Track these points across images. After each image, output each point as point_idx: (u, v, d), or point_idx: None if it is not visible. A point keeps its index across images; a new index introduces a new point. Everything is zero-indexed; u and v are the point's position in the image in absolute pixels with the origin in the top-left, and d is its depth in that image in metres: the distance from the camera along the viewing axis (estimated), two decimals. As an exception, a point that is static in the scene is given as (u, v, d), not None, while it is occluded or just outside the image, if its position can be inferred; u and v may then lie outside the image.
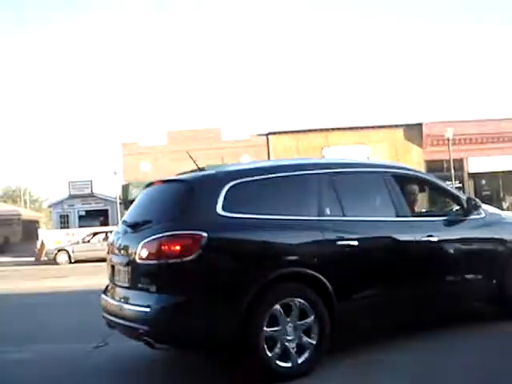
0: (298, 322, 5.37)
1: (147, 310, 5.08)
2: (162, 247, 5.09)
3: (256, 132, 38.37)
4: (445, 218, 6.92)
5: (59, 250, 30.57)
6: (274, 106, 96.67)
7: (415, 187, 7.18)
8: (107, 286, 6.21)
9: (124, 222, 6.06)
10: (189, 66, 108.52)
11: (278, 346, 5.26)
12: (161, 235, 5.15)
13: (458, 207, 7.09)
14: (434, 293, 6.43)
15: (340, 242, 5.71)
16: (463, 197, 7.08)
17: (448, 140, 32.63)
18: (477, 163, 36.61)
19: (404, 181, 6.86)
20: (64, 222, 41.38)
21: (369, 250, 5.97)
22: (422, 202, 9.70)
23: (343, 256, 5.75)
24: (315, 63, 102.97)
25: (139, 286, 5.37)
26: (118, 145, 38.03)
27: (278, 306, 5.27)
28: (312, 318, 5.42)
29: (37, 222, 55.46)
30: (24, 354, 7.02)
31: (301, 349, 5.38)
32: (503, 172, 37.22)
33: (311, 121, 54.44)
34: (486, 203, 8.17)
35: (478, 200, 7.08)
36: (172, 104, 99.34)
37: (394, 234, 6.20)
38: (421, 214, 6.94)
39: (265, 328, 5.19)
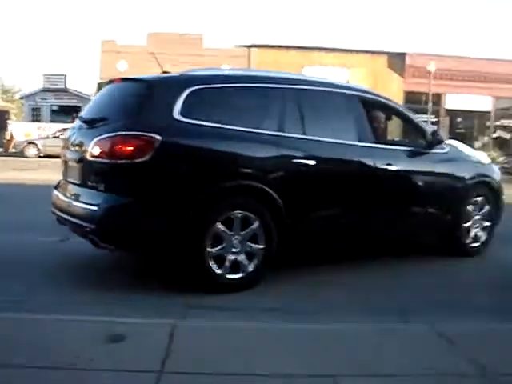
0: (242, 232, 5.34)
1: (95, 208, 5.04)
2: (115, 146, 4.99)
3: (238, 43, 37.66)
4: (407, 148, 6.90)
5: (29, 143, 30.20)
6: (257, 18, 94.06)
7: (381, 114, 7.09)
8: (59, 182, 6.14)
9: (80, 117, 5.93)
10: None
11: (227, 260, 5.28)
12: (114, 134, 5.05)
13: (422, 139, 7.06)
14: (385, 221, 6.48)
15: (296, 160, 5.65)
16: (428, 130, 7.03)
17: (429, 73, 32.40)
18: (454, 100, 36.44)
19: (371, 106, 6.75)
20: (36, 116, 40.65)
21: (325, 172, 5.93)
22: (392, 131, 9.70)
23: (298, 174, 5.70)
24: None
25: (89, 183, 5.31)
26: (97, 42, 37.14)
27: (219, 225, 5.22)
28: (257, 224, 5.38)
29: (7, 112, 54.20)
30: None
31: (250, 256, 5.40)
32: (479, 112, 37.26)
33: (293, 38, 53.39)
34: (459, 141, 8.21)
35: (441, 135, 7.06)
36: (154, 5, 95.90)
37: (353, 157, 6.18)
38: (383, 142, 6.87)
39: (209, 249, 5.19)
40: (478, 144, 36.91)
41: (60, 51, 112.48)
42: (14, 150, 30.68)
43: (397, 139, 10.08)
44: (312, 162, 5.71)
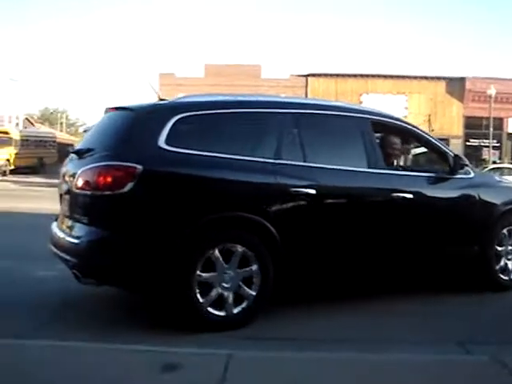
0: (238, 270, 5.05)
1: (77, 241, 4.89)
2: (96, 177, 4.81)
3: (295, 72, 37.78)
4: (426, 174, 6.44)
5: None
6: (315, 47, 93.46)
7: (396, 139, 6.63)
8: (58, 215, 5.99)
9: (72, 148, 5.79)
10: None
11: (213, 292, 4.97)
12: (96, 165, 4.88)
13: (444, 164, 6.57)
14: (400, 255, 6.03)
15: (295, 189, 5.27)
16: (451, 154, 6.53)
17: (490, 97, 31.49)
18: (517, 124, 35.45)
19: (385, 130, 6.39)
20: (98, 148, 41.55)
21: (329, 202, 5.56)
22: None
23: (297, 205, 5.34)
24: (363, 8, 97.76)
25: (75, 216, 5.15)
26: (155, 75, 37.84)
27: (216, 251, 4.94)
28: (255, 267, 5.09)
29: (72, 145, 55.63)
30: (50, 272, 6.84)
31: (238, 298, 5.08)
32: (543, 135, 36.02)
33: (351, 66, 52.91)
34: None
35: (465, 159, 6.57)
36: (212, 38, 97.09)
37: (361, 186, 5.79)
38: (399, 168, 6.44)
39: (198, 272, 4.89)
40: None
41: (120, 85, 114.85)
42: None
43: (416, 165, 9.58)
44: (312, 191, 5.35)
